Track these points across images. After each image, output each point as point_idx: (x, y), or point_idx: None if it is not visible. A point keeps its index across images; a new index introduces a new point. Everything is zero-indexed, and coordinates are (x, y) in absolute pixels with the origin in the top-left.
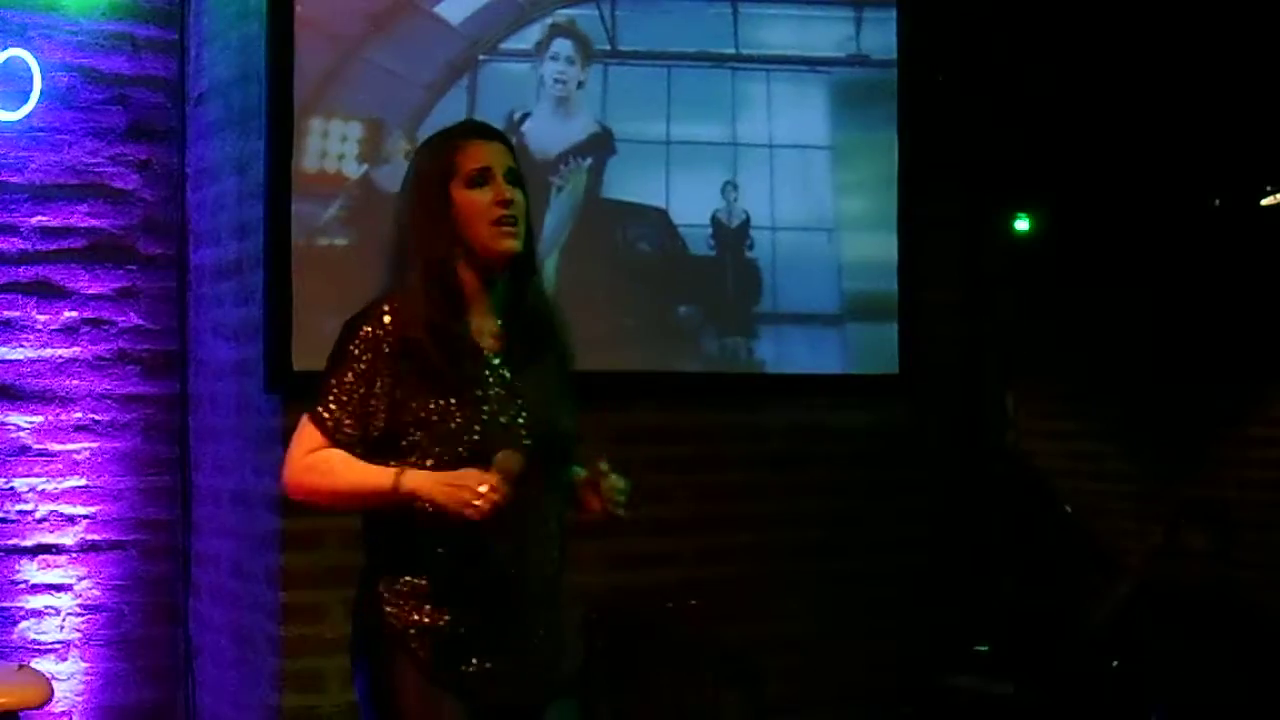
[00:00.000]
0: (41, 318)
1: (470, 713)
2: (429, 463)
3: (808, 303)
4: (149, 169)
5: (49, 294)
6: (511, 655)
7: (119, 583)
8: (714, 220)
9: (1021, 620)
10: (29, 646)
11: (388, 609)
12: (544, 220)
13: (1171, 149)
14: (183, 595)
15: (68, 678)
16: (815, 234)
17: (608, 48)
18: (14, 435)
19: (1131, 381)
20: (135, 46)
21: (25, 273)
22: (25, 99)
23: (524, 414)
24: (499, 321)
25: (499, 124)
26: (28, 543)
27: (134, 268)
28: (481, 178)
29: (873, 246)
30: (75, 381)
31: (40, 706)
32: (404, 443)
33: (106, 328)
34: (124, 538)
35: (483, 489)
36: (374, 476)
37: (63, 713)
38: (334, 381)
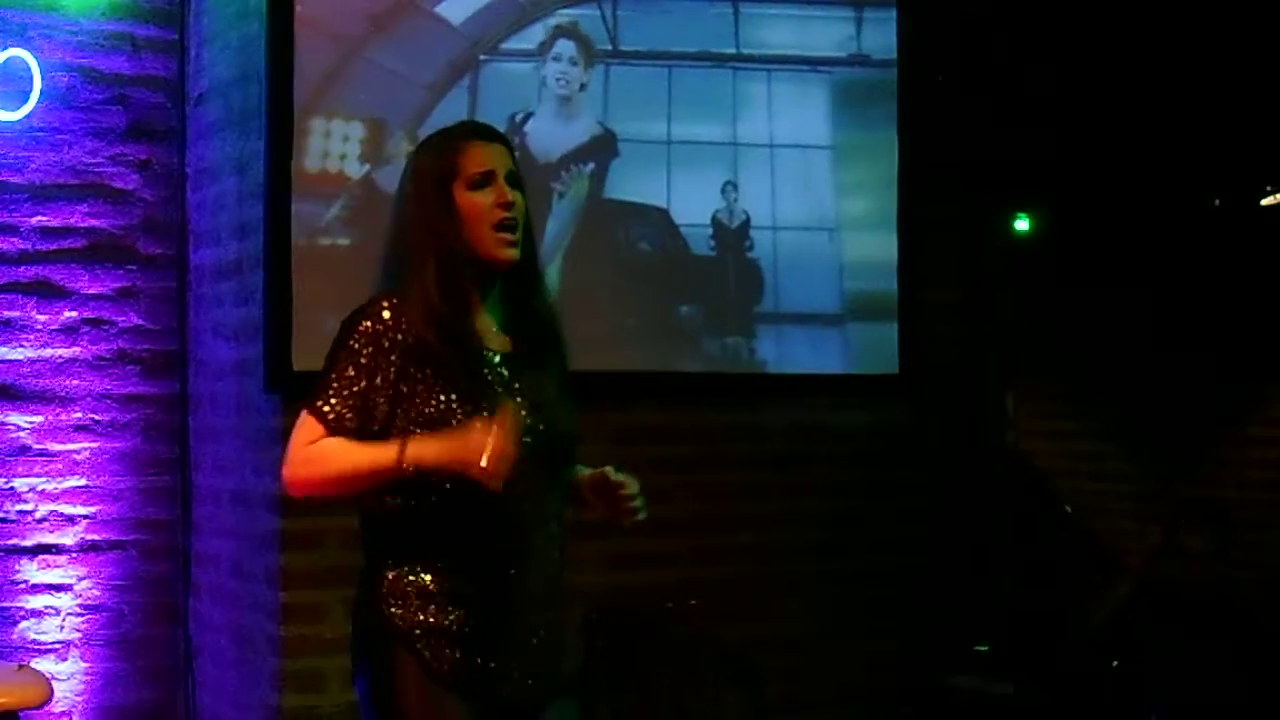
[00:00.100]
0: (41, 318)
1: (473, 712)
2: None
3: (809, 303)
4: (149, 169)
5: (49, 294)
6: (513, 654)
7: (119, 583)
8: (714, 220)
9: (1021, 620)
10: (29, 646)
11: (392, 609)
12: (546, 225)
13: (1171, 149)
14: (183, 595)
15: (68, 678)
16: (816, 234)
17: (609, 48)
18: (14, 435)
19: (1131, 381)
20: (135, 46)
21: (25, 273)
22: (25, 99)
23: (524, 413)
24: (498, 322)
25: (500, 125)
26: (28, 543)
27: (134, 268)
28: (484, 180)
29: (874, 246)
30: (75, 381)
31: (40, 706)
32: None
33: (106, 328)
34: (124, 538)
35: (487, 448)
36: (377, 453)
37: (63, 713)
38: (334, 376)
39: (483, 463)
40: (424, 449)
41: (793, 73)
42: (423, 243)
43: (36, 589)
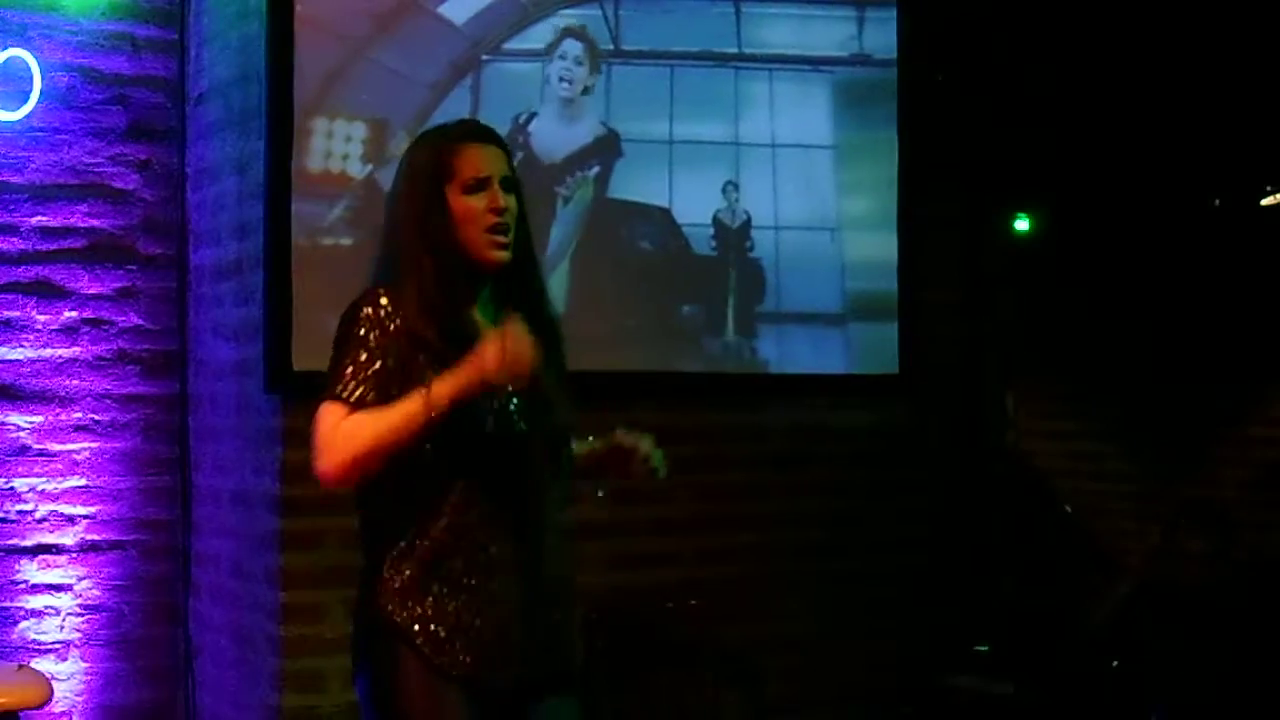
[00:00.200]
0: (41, 318)
1: (474, 706)
2: (427, 446)
3: (810, 302)
4: (149, 169)
5: (49, 294)
6: (515, 648)
7: (119, 583)
8: (716, 220)
9: (1021, 620)
10: (29, 646)
11: (391, 607)
12: (551, 229)
13: (1171, 149)
14: (183, 595)
15: (68, 678)
16: (818, 233)
17: (611, 47)
18: (14, 435)
19: (1131, 381)
20: (135, 46)
21: (25, 273)
22: (25, 99)
23: (515, 400)
24: (491, 319)
25: (504, 125)
26: (28, 543)
27: (134, 268)
28: (478, 186)
29: (876, 246)
30: (75, 381)
31: (40, 706)
32: None
33: (106, 328)
34: (124, 538)
35: (499, 353)
36: (404, 407)
37: (63, 713)
38: (347, 362)
39: (500, 377)
40: (443, 384)
41: (794, 72)
42: (414, 242)
43: (36, 589)
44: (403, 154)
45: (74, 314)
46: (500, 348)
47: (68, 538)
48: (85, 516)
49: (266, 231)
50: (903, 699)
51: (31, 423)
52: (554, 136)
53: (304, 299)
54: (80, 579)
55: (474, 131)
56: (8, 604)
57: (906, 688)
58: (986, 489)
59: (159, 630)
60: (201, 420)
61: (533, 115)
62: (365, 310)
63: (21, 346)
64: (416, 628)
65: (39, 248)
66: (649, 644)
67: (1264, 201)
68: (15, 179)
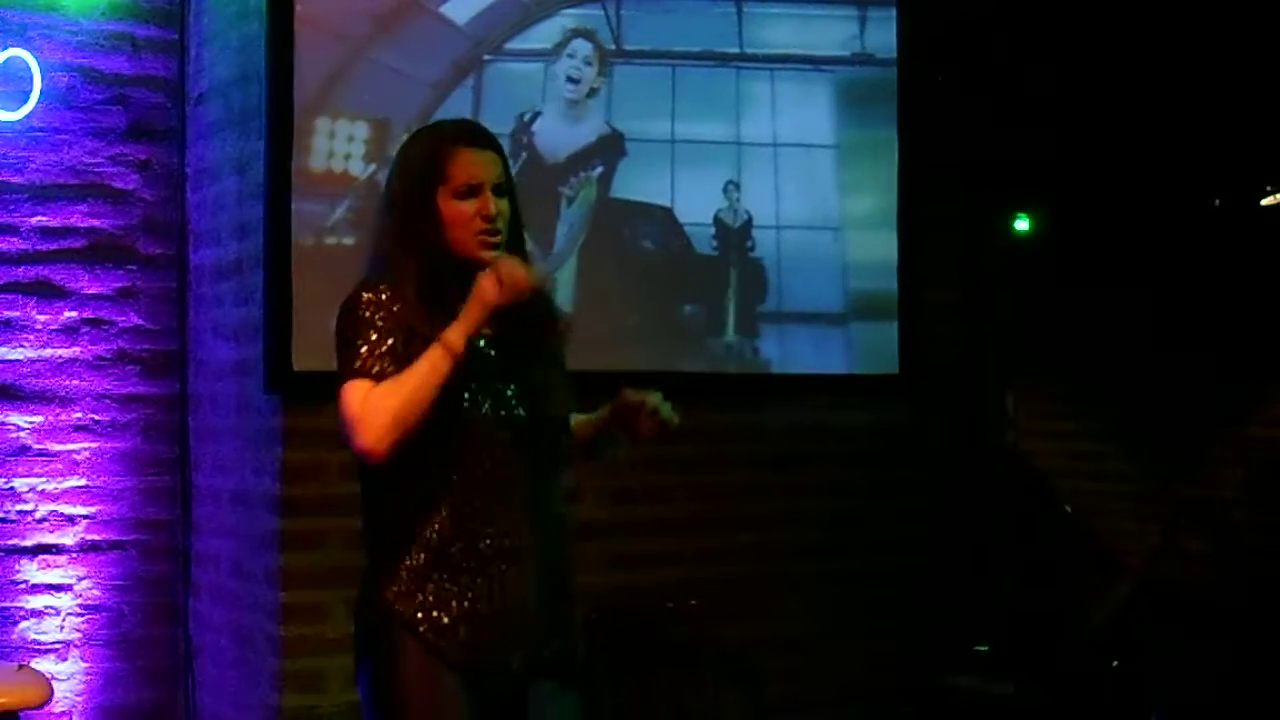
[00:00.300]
0: (41, 318)
1: (474, 691)
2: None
3: (812, 302)
4: (149, 169)
5: (49, 294)
6: (515, 636)
7: (119, 583)
8: (717, 220)
9: (1021, 620)
10: (29, 646)
11: (394, 601)
12: (556, 229)
13: (1171, 149)
14: (183, 595)
15: (68, 678)
16: (820, 233)
17: (613, 47)
18: (14, 435)
19: (1131, 381)
20: (135, 46)
21: (25, 273)
22: (25, 99)
23: (512, 388)
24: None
25: (507, 124)
26: (28, 543)
27: (134, 268)
28: (470, 191)
29: (878, 245)
30: (75, 381)
31: (40, 706)
32: None
33: (106, 328)
34: (124, 538)
35: (497, 276)
36: (426, 359)
37: (63, 713)
38: (359, 344)
39: (503, 292)
40: (454, 327)
41: (796, 72)
42: (403, 243)
43: (36, 589)
44: (398, 149)
45: (74, 314)
46: (495, 275)
47: (68, 538)
48: (85, 516)
49: (266, 231)
50: (903, 699)
51: (31, 423)
52: (558, 136)
53: (306, 299)
54: (80, 579)
55: (468, 135)
56: (8, 604)
57: (906, 688)
58: (986, 489)
59: (159, 630)
60: (201, 420)
61: (537, 115)
62: (366, 297)
63: (21, 346)
64: (420, 615)
65: (39, 248)
66: (649, 644)
67: (1264, 201)
68: (15, 179)
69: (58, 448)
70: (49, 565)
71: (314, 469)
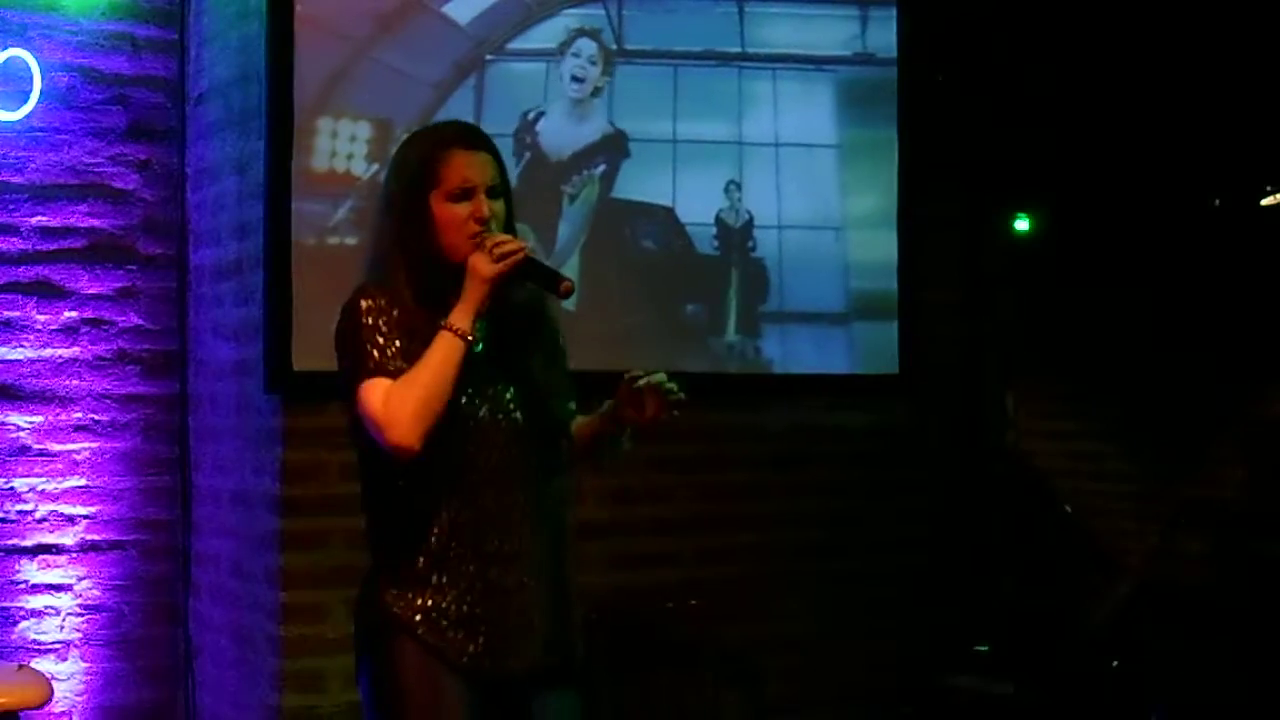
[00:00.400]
0: (41, 318)
1: (474, 693)
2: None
3: (814, 302)
4: (149, 169)
5: (49, 294)
6: (515, 637)
7: (119, 583)
8: (718, 219)
9: (1021, 620)
10: (29, 646)
11: (392, 602)
12: (558, 227)
13: (1171, 149)
14: (183, 595)
15: (68, 678)
16: (822, 233)
17: (615, 47)
18: (14, 435)
19: (1131, 381)
20: (135, 46)
21: (25, 273)
22: (25, 99)
23: (510, 391)
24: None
25: (511, 123)
26: (28, 543)
27: (134, 268)
28: (463, 194)
29: (879, 245)
30: (75, 381)
31: (40, 706)
32: None
33: (106, 328)
34: (124, 538)
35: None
36: (437, 347)
37: (63, 713)
38: (368, 346)
39: (495, 263)
40: (458, 311)
41: (798, 71)
42: (398, 246)
43: (36, 589)
44: (395, 151)
45: (74, 314)
46: (483, 252)
47: (68, 538)
48: (85, 516)
49: (266, 231)
50: (903, 699)
51: (31, 423)
52: (562, 135)
53: (308, 299)
54: (80, 579)
55: (462, 137)
56: (8, 604)
57: (906, 688)
58: (986, 489)
59: (159, 630)
60: (201, 420)
61: (541, 114)
62: (365, 304)
63: (21, 346)
64: (418, 618)
65: (39, 248)
66: (649, 644)
67: (1264, 201)
68: (15, 179)
69: (58, 448)
70: (49, 565)
71: (314, 469)
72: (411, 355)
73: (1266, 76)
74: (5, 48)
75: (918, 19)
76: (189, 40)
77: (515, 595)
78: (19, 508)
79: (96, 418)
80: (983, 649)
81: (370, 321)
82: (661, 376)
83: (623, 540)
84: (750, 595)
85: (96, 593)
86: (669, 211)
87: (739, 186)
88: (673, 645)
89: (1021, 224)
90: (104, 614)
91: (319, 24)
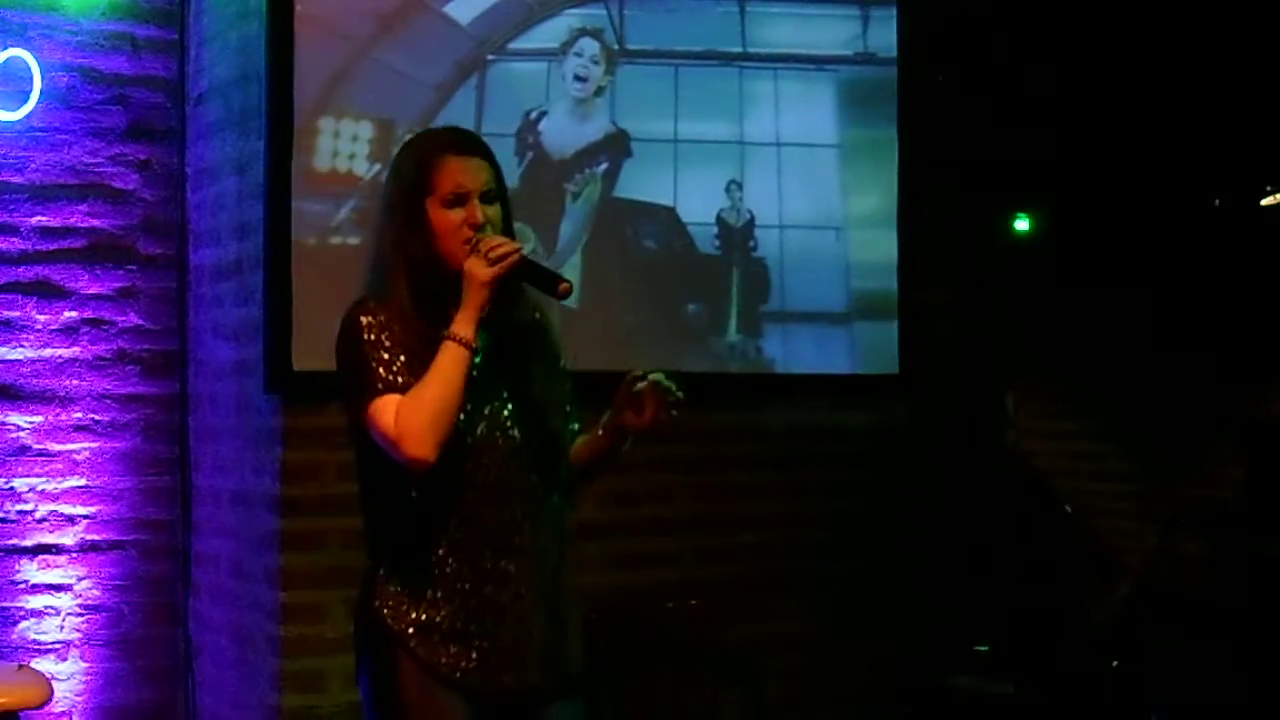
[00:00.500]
0: (41, 318)
1: (473, 709)
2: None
3: (815, 301)
4: (149, 169)
5: (49, 294)
6: (512, 652)
7: (119, 583)
8: (719, 219)
9: (1021, 620)
10: (29, 646)
11: (385, 609)
12: (561, 225)
13: (1171, 149)
14: (183, 595)
15: (68, 678)
16: (823, 232)
17: (616, 47)
18: (14, 435)
19: (1131, 381)
20: (135, 46)
21: (25, 273)
22: (25, 99)
23: (508, 408)
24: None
25: (512, 124)
26: (28, 543)
27: (134, 268)
28: (457, 200)
29: (880, 245)
30: (75, 381)
31: (40, 706)
32: None
33: (106, 328)
34: (124, 538)
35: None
36: (442, 357)
37: (63, 713)
38: (373, 364)
39: (491, 266)
40: (459, 319)
41: (799, 71)
42: (395, 254)
43: (36, 589)
44: (393, 157)
45: (74, 314)
46: (478, 256)
47: (68, 538)
48: (85, 516)
49: (266, 231)
50: (903, 699)
51: (31, 423)
52: (565, 134)
53: (311, 298)
54: (80, 579)
55: (456, 143)
56: (8, 604)
57: (906, 688)
58: (986, 489)
59: (159, 630)
60: (201, 420)
61: (544, 113)
62: (365, 320)
63: (21, 346)
64: (411, 631)
65: (39, 248)
66: (649, 644)
67: (1264, 201)
68: (15, 179)
69: (58, 448)
70: (49, 565)
71: (313, 469)
72: (414, 367)
73: (1266, 76)
74: (5, 48)
75: (918, 19)
76: (189, 40)
77: (510, 612)
78: (19, 508)
79: (96, 418)
80: (983, 649)
81: (371, 338)
82: (660, 376)
83: (623, 540)
84: (750, 595)
85: (96, 593)
86: (670, 211)
87: (740, 186)
88: (673, 645)
89: (1021, 224)
90: (104, 614)
91: (320, 24)
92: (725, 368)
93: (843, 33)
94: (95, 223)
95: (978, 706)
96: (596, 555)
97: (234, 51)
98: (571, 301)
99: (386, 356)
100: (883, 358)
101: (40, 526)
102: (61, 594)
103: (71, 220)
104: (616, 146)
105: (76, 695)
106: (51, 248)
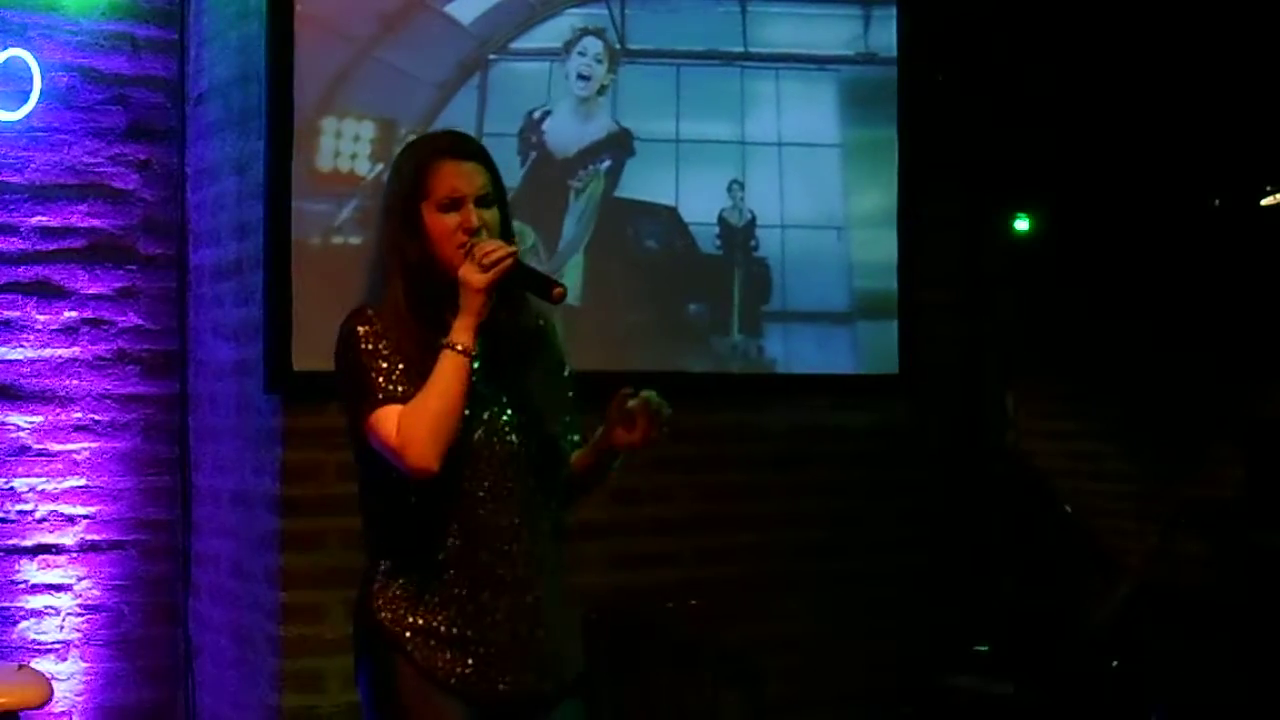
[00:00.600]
0: (41, 318)
1: (471, 714)
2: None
3: (817, 301)
4: (149, 169)
5: (49, 294)
6: (508, 657)
7: (119, 583)
8: (721, 219)
9: (1021, 620)
10: (29, 646)
11: (382, 612)
12: (564, 222)
13: (1171, 149)
14: (183, 595)
15: (68, 678)
16: (825, 232)
17: (618, 46)
18: (14, 435)
19: (1131, 381)
20: (135, 46)
21: (25, 273)
22: (25, 99)
23: (506, 415)
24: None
25: (514, 123)
26: (28, 543)
27: (134, 268)
28: (452, 204)
29: (882, 245)
30: (75, 381)
31: (40, 706)
32: None
33: (106, 328)
34: (124, 538)
35: (476, 259)
36: (441, 368)
37: (63, 713)
38: (372, 374)
39: (485, 271)
40: (457, 327)
41: (800, 71)
42: (392, 255)
43: (36, 589)
44: (393, 160)
45: (74, 314)
46: (472, 262)
47: (68, 538)
48: (85, 516)
49: (266, 231)
50: (903, 699)
51: (31, 423)
52: (568, 133)
53: (313, 298)
54: (80, 579)
55: (452, 147)
56: (8, 604)
57: (906, 688)
58: (986, 489)
59: (159, 630)
60: (201, 420)
61: (547, 113)
62: (361, 329)
63: (21, 346)
64: (408, 635)
65: (39, 248)
66: (649, 644)
67: (1264, 201)
68: (15, 179)
69: (58, 448)
70: (49, 565)
71: (313, 469)
72: (414, 375)
73: (1266, 76)
74: (5, 48)
75: (918, 19)
76: (189, 40)
77: (507, 618)
78: (19, 508)
79: (96, 418)
80: (983, 649)
81: (369, 347)
82: (651, 394)
83: (623, 540)
84: (750, 595)
85: (96, 593)
86: (672, 211)
87: (742, 186)
88: (673, 645)
89: (1021, 224)
90: (104, 614)
91: (321, 24)
92: (727, 367)
93: (844, 32)
94: (95, 223)
95: (978, 706)
96: (596, 555)
97: (234, 51)
98: (573, 301)
99: (385, 365)
100: (884, 358)
101: (40, 526)
102: (61, 594)
103: (71, 220)
104: (619, 145)
105: (76, 695)
106: (51, 248)
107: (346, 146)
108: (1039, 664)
